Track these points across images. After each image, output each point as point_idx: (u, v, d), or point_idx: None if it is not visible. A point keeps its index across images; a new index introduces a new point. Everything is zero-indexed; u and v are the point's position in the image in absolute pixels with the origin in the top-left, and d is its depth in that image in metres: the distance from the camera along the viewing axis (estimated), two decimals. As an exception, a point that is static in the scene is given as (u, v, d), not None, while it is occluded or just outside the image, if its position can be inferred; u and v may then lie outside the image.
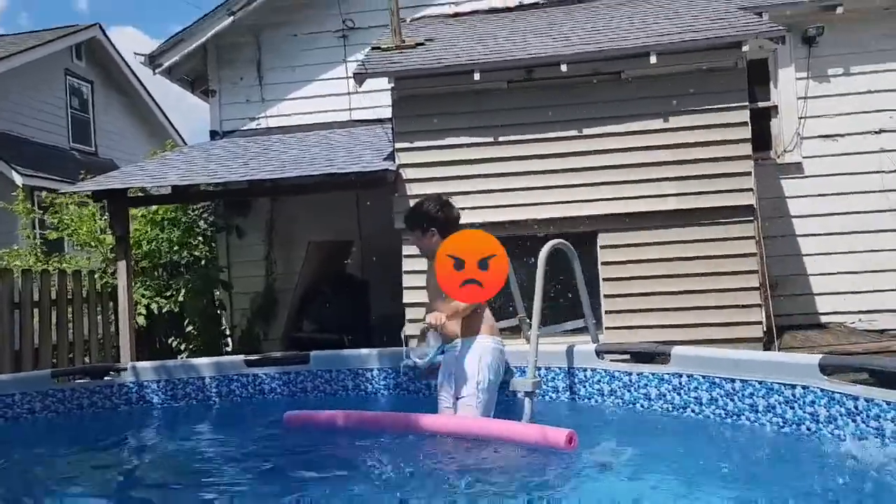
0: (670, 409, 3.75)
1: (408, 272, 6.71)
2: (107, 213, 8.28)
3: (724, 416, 3.49)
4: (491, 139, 6.88)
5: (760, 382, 3.33)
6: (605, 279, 6.66)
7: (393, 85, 6.90)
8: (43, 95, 14.87)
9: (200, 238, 9.04)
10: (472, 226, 4.54)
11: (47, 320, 6.95)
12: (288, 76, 9.29)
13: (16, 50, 13.92)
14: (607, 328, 6.49)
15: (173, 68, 9.51)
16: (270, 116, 9.34)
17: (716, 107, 6.55)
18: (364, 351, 4.88)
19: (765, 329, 6.49)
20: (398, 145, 7.00)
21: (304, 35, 9.24)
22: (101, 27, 16.21)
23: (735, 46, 6.46)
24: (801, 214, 7.64)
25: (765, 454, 3.16)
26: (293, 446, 3.91)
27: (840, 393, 3.01)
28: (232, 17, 9.00)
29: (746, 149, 6.52)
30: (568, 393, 4.22)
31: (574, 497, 2.98)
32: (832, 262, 7.54)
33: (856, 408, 2.95)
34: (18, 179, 12.25)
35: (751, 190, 6.50)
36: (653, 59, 6.39)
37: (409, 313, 6.66)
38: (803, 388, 3.16)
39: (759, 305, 6.43)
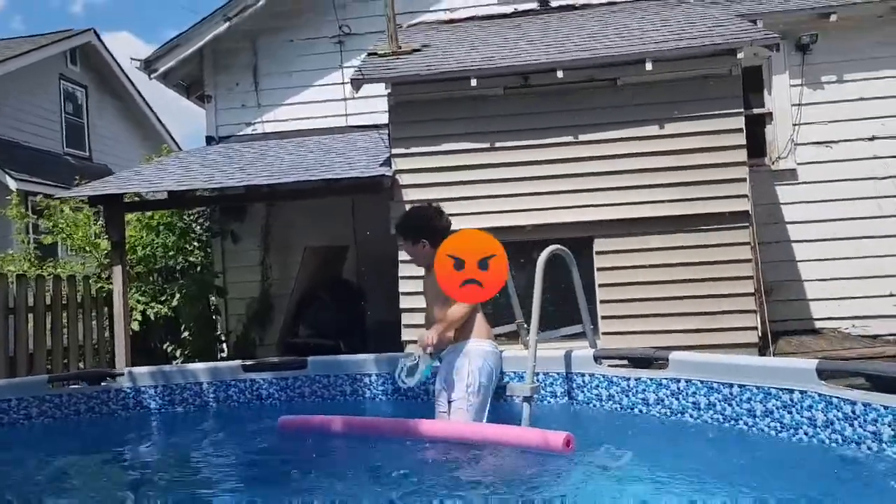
0: (668, 413, 3.76)
1: (403, 278, 6.72)
2: (102, 218, 8.27)
3: (721, 420, 3.51)
4: (487, 145, 6.90)
5: (758, 387, 3.35)
6: (601, 285, 6.69)
7: (389, 91, 6.93)
8: (37, 100, 14.82)
9: (196, 243, 9.03)
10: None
11: (42, 325, 6.92)
12: (284, 82, 9.29)
13: (10, 54, 13.86)
14: (603, 333, 6.52)
15: (169, 73, 9.52)
16: (267, 122, 9.35)
17: (711, 113, 6.60)
18: (362, 356, 4.89)
19: (760, 334, 6.53)
20: (394, 151, 7.01)
21: (301, 41, 9.26)
22: (95, 32, 16.18)
23: (730, 53, 6.52)
24: (795, 220, 7.69)
25: (762, 458, 3.18)
26: (288, 451, 3.90)
27: (837, 397, 3.03)
28: (228, 23, 9.01)
29: (741, 155, 6.57)
30: (566, 398, 4.22)
31: (571, 500, 2.99)
32: (826, 267, 7.60)
33: (853, 412, 2.97)
34: (12, 184, 12.19)
35: (746, 196, 6.54)
36: (648, 66, 6.44)
37: (405, 318, 6.67)
38: (801, 392, 3.18)
39: (754, 311, 6.48)
